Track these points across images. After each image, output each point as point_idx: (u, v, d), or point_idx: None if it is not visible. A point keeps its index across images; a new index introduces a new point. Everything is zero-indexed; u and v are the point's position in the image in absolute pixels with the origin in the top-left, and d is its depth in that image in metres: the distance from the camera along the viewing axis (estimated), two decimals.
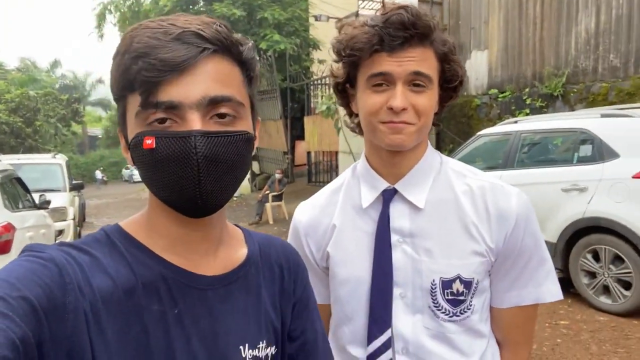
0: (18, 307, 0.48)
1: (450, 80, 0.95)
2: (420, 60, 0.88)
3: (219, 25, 0.60)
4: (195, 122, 0.57)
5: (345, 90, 1.00)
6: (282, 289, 0.77)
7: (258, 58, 0.67)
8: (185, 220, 0.64)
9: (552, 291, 0.97)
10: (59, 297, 0.53)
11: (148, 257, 0.63)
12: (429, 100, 0.90)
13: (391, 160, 0.97)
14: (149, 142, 0.57)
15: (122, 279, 0.59)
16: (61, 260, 0.56)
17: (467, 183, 0.97)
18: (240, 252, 0.73)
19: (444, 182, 0.98)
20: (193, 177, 0.57)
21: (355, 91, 0.97)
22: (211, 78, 0.59)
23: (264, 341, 0.70)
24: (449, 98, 0.98)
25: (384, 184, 0.99)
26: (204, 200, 0.59)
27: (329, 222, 1.04)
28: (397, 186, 0.98)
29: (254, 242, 0.77)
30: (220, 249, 0.70)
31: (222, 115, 0.60)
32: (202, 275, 0.66)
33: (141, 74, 0.56)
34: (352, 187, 1.05)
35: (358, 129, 1.03)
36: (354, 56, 0.91)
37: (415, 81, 0.89)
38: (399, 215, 0.97)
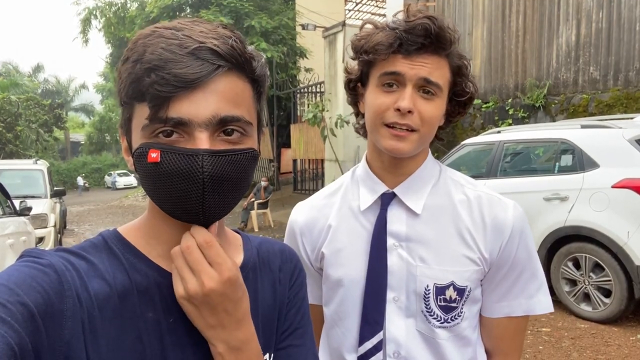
0: (17, 313, 0.48)
1: (460, 94, 0.96)
2: (433, 68, 0.89)
3: (235, 40, 0.59)
4: (202, 142, 0.56)
5: (356, 88, 1.01)
6: (278, 292, 0.76)
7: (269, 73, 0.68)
8: (185, 228, 0.63)
9: (543, 303, 0.98)
10: (56, 304, 0.53)
11: (144, 264, 0.63)
12: (435, 108, 0.91)
13: (392, 165, 0.98)
14: (154, 155, 0.56)
15: (118, 285, 0.59)
16: (60, 266, 0.56)
17: (465, 192, 0.99)
18: (237, 260, 0.72)
19: (442, 190, 1.00)
20: (197, 194, 0.57)
21: (365, 90, 0.98)
22: (223, 97, 0.58)
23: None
24: (457, 113, 1.00)
25: (383, 188, 0.99)
26: (206, 215, 0.59)
27: (325, 223, 1.05)
28: (396, 190, 0.99)
29: (252, 247, 0.76)
30: None
31: (229, 133, 0.59)
32: None
33: (153, 87, 0.55)
34: (351, 190, 1.06)
35: (362, 131, 1.04)
36: (372, 57, 0.92)
37: (425, 88, 0.90)
38: (396, 220, 0.98)
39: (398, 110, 0.89)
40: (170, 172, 0.56)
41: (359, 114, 1.04)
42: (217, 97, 0.57)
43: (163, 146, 0.57)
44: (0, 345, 0.45)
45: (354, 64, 0.99)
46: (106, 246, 0.63)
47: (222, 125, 0.58)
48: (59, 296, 0.53)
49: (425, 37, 0.88)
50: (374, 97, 0.93)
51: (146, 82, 0.55)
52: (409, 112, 0.88)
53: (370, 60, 0.93)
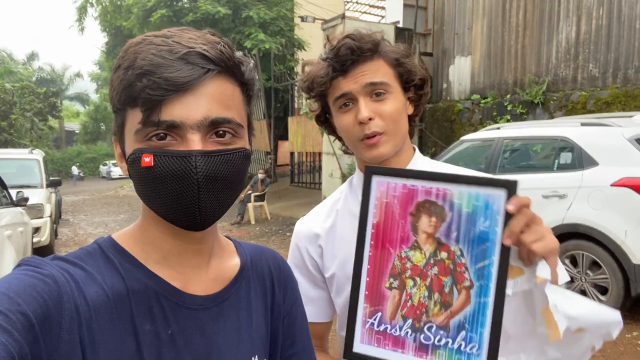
0: (17, 322, 0.48)
1: (410, 80, 1.00)
2: (373, 72, 0.96)
3: (223, 46, 0.61)
4: (195, 143, 0.58)
5: (327, 120, 1.07)
6: (272, 302, 0.77)
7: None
8: (180, 234, 0.64)
9: None
10: (54, 315, 0.53)
11: (142, 273, 0.63)
12: (392, 104, 0.96)
13: None
14: (147, 159, 0.58)
15: (116, 294, 0.60)
16: (60, 278, 0.56)
17: None
18: (232, 264, 0.74)
19: None
20: (193, 195, 0.58)
21: (332, 118, 1.04)
22: (213, 99, 0.59)
23: (256, 356, 0.71)
24: (419, 97, 1.04)
25: None
26: (203, 216, 0.60)
27: (328, 229, 1.08)
28: None
29: (246, 253, 0.77)
30: (212, 262, 0.70)
31: (221, 135, 0.61)
32: (194, 295, 0.66)
33: (145, 91, 0.56)
34: (350, 198, 1.09)
35: (350, 150, 1.09)
36: (318, 90, 1.00)
37: (375, 90, 0.95)
38: None
39: (361, 123, 0.95)
40: (164, 174, 0.57)
41: (340, 138, 1.10)
42: (208, 100, 0.59)
43: (156, 150, 0.58)
44: (2, 354, 0.45)
45: (312, 102, 1.07)
46: (102, 254, 0.63)
47: (214, 127, 0.60)
48: (58, 307, 0.53)
49: (352, 53, 0.94)
50: (339, 121, 1.00)
51: (138, 86, 0.57)
52: (370, 119, 0.94)
53: (320, 93, 1.00)
